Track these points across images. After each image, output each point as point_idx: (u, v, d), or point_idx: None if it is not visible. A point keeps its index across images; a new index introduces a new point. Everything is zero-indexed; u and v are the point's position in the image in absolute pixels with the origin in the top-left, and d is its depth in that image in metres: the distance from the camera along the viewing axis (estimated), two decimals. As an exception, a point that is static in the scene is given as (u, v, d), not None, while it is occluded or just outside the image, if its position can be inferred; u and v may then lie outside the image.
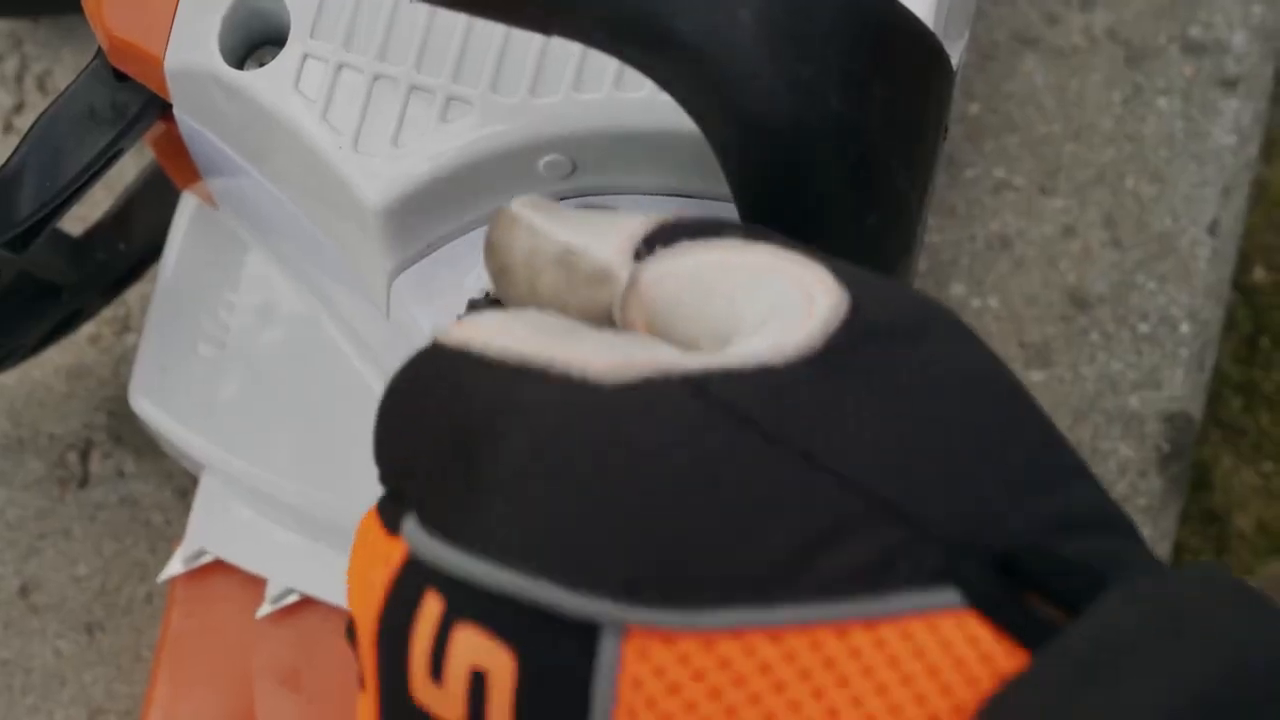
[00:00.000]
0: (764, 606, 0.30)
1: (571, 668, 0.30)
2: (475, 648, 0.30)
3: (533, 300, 0.36)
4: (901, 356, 0.32)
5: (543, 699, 0.30)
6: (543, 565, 0.30)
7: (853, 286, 0.32)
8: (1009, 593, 0.30)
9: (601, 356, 0.32)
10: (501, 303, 0.38)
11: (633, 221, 0.35)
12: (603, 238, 0.35)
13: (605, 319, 0.35)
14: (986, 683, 0.29)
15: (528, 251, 0.36)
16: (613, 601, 0.30)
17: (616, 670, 0.30)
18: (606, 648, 0.30)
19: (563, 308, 0.35)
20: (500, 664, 0.30)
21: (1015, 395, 0.32)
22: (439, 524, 0.32)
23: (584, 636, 0.30)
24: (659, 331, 0.34)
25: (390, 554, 0.33)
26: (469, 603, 0.31)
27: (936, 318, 0.33)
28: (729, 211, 0.38)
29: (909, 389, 0.31)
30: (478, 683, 0.31)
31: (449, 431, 0.33)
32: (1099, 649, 0.28)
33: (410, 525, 0.32)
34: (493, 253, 0.37)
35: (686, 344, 0.33)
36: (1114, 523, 0.32)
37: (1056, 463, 0.32)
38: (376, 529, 0.34)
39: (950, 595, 0.30)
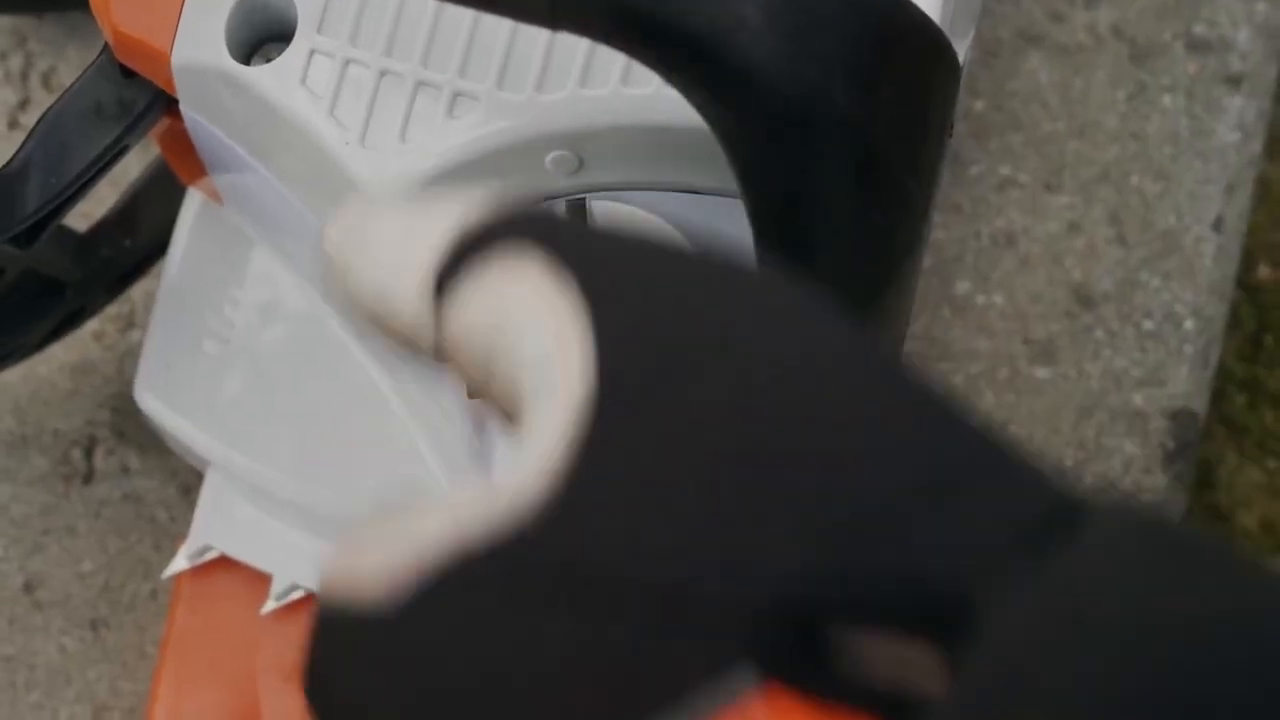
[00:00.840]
0: None
1: None
2: None
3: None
4: (660, 410, 0.27)
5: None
6: None
7: (605, 334, 0.28)
8: (811, 660, 0.26)
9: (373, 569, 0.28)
10: None
11: (424, 248, 0.30)
12: (400, 279, 0.30)
13: None
14: None
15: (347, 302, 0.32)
16: None
17: None
18: None
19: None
20: None
21: (827, 381, 0.27)
22: None
23: None
24: (487, 383, 0.30)
25: None
26: None
27: (717, 320, 0.28)
28: (736, 209, 0.38)
29: (677, 443, 0.27)
30: None
31: None
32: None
33: None
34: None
35: (509, 400, 0.29)
36: (972, 492, 0.27)
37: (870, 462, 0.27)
38: None
39: (745, 672, 0.25)
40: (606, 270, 0.29)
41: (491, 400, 0.30)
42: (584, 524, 0.26)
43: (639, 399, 0.27)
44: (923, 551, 0.26)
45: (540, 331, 0.28)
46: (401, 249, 0.30)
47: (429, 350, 0.30)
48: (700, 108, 0.37)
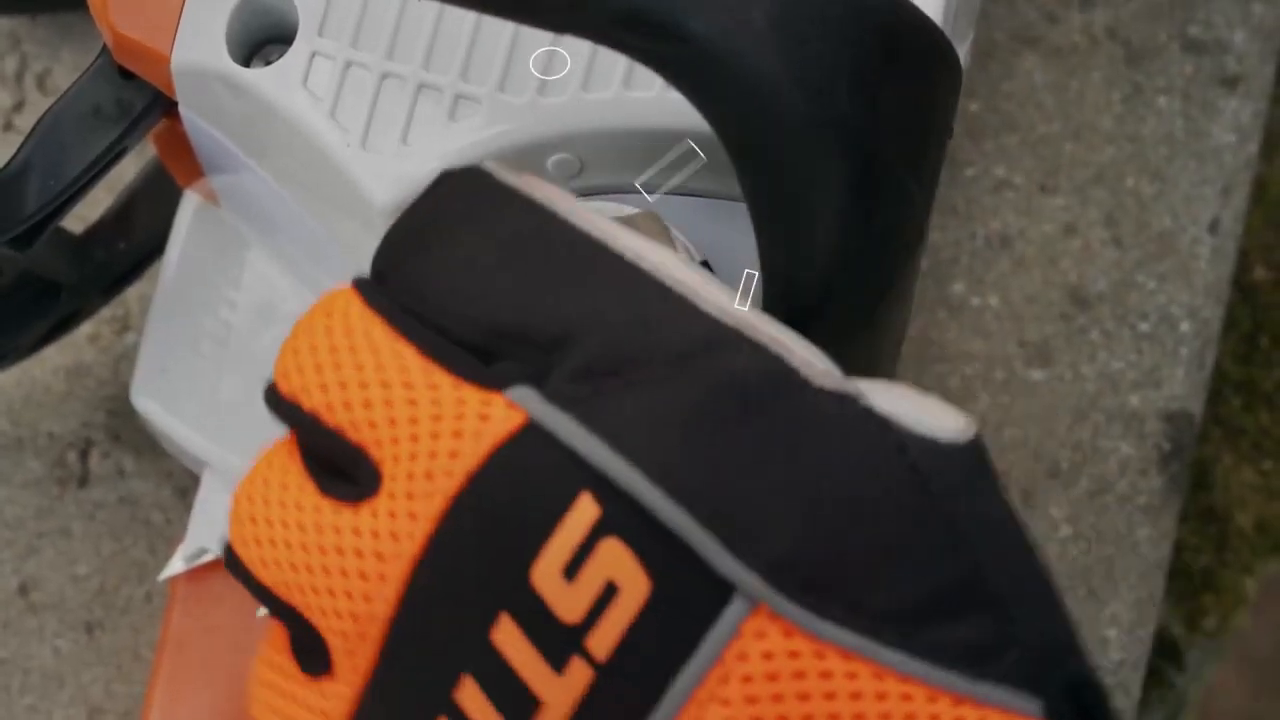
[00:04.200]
0: (882, 644, 0.32)
1: (695, 617, 0.32)
2: (618, 563, 0.32)
3: None
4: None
5: (657, 631, 0.32)
6: (714, 515, 0.32)
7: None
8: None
9: (815, 357, 0.34)
10: None
11: None
12: None
13: None
14: None
15: None
16: (759, 576, 0.32)
17: (730, 636, 0.32)
18: (732, 612, 0.32)
19: None
20: (635, 587, 0.32)
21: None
22: (598, 420, 0.32)
23: (718, 593, 0.32)
24: None
25: (478, 407, 0.33)
26: (629, 522, 0.32)
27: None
28: (739, 212, 0.38)
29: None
30: (607, 593, 0.32)
31: (622, 327, 0.34)
32: None
33: (543, 404, 0.33)
34: None
35: None
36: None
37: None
38: (432, 368, 0.34)
39: (1033, 705, 0.32)
40: None
41: None
42: None
43: None
44: None
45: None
46: None
47: None
48: (703, 110, 0.37)
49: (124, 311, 0.62)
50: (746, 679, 0.32)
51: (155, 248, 0.56)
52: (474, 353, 0.34)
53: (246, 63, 0.45)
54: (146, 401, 0.54)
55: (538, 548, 0.32)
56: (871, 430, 0.33)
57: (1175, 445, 0.62)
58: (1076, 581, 0.61)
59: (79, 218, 0.54)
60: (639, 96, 0.43)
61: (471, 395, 0.33)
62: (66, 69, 0.64)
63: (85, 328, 0.61)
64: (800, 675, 0.32)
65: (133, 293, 0.60)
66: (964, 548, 0.33)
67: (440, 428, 0.33)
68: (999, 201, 0.64)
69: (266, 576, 0.36)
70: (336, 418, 0.35)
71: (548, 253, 0.35)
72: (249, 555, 0.36)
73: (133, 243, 0.56)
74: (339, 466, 0.35)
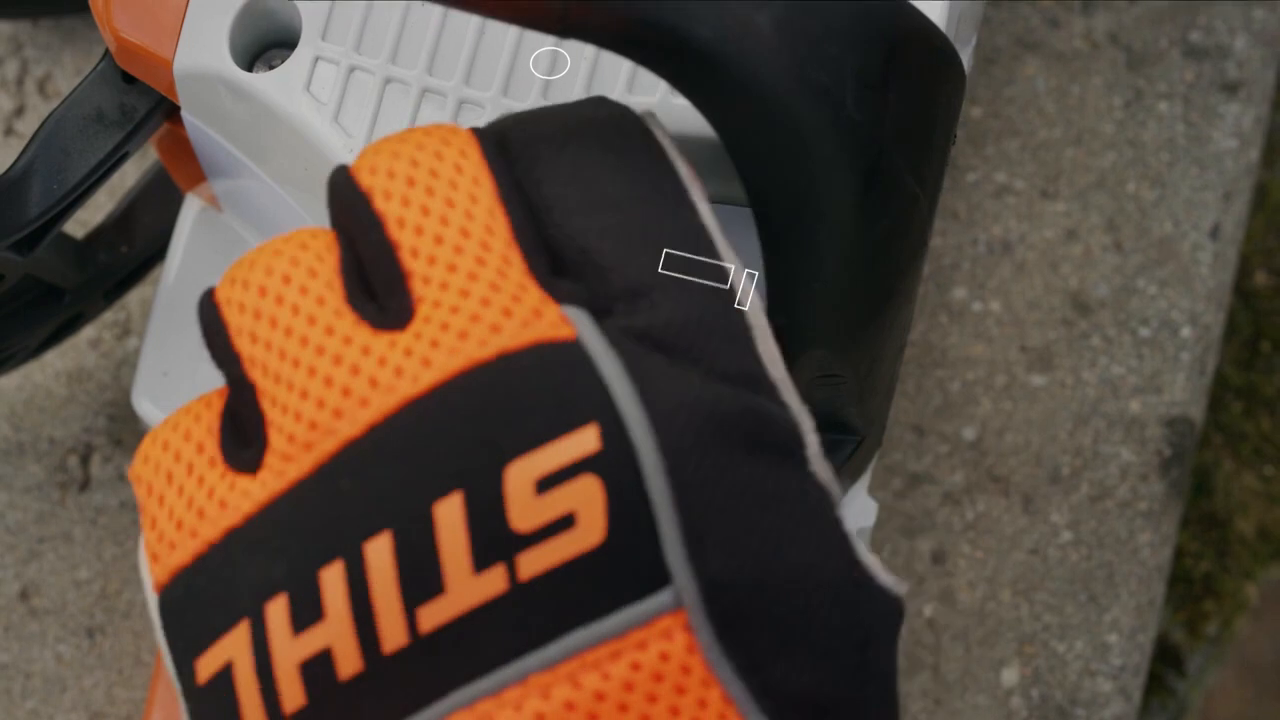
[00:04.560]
0: (760, 710, 0.33)
1: (624, 587, 0.32)
2: (590, 502, 0.32)
3: None
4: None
5: (585, 580, 0.32)
6: (690, 511, 0.32)
7: None
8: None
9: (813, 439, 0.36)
10: None
11: None
12: None
13: None
14: None
15: None
16: (697, 585, 0.32)
17: (643, 621, 0.32)
18: (656, 601, 0.32)
19: None
20: (591, 530, 0.32)
21: None
22: (637, 374, 0.33)
23: (654, 579, 0.32)
24: None
25: (534, 303, 0.33)
26: (619, 473, 0.32)
27: None
28: (743, 216, 0.38)
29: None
30: (563, 523, 0.32)
31: (692, 325, 0.34)
32: None
33: (595, 333, 0.33)
34: None
35: None
36: None
37: None
38: (513, 249, 0.34)
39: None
40: None
41: None
42: None
43: None
44: None
45: None
46: None
47: None
48: (708, 115, 0.37)
49: (125, 316, 0.62)
50: (635, 666, 0.32)
51: (157, 252, 0.56)
52: (555, 261, 0.34)
53: (249, 67, 0.45)
54: (147, 405, 0.54)
55: (527, 448, 0.32)
56: (837, 537, 0.34)
57: (1176, 451, 0.62)
58: (1077, 587, 0.61)
59: (81, 222, 0.54)
60: (643, 101, 0.43)
61: (535, 292, 0.33)
62: (68, 73, 0.64)
63: (87, 332, 0.61)
64: (680, 691, 0.32)
65: (134, 297, 0.60)
66: (859, 680, 0.33)
67: (494, 298, 0.33)
68: (1000, 207, 0.64)
69: (243, 346, 0.34)
70: (403, 235, 0.34)
71: (662, 220, 0.35)
72: (233, 319, 0.35)
73: (134, 247, 0.56)
74: (371, 285, 0.34)
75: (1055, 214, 0.64)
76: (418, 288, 0.34)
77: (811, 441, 0.34)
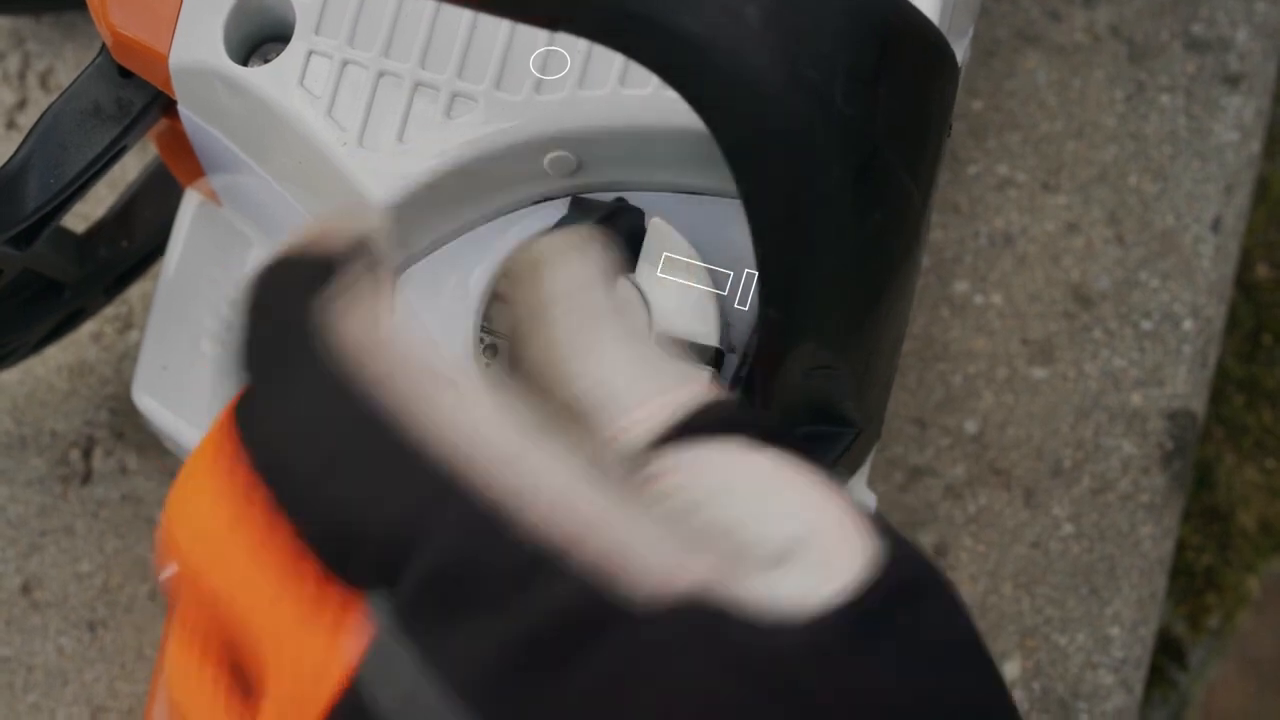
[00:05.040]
0: None
1: None
2: None
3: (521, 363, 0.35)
4: (917, 616, 0.30)
5: None
6: None
7: (880, 534, 0.31)
8: None
9: (656, 558, 0.30)
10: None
11: (662, 405, 0.33)
12: (628, 409, 0.33)
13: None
14: None
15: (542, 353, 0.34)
16: None
17: None
18: None
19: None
20: None
21: (992, 666, 0.31)
22: (438, 655, 0.29)
23: None
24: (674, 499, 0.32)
25: (333, 613, 0.30)
26: None
27: (935, 576, 0.32)
28: (734, 209, 0.38)
29: (923, 651, 0.30)
30: None
31: (457, 540, 0.29)
32: None
33: (389, 635, 0.30)
34: (508, 300, 0.35)
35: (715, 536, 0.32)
36: None
37: None
38: (305, 569, 0.30)
39: None
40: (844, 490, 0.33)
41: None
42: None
43: (903, 602, 0.30)
44: None
45: (814, 502, 0.31)
46: (633, 384, 0.33)
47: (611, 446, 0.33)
48: (697, 109, 0.37)
49: (126, 310, 0.62)
50: None
51: (157, 246, 0.56)
52: (334, 544, 0.30)
53: (244, 62, 0.45)
54: (148, 399, 0.54)
55: None
56: (697, 651, 0.29)
57: (1178, 444, 0.62)
58: (1079, 580, 0.61)
59: (81, 216, 0.54)
60: (635, 94, 0.43)
61: (326, 590, 0.30)
62: (69, 67, 0.64)
63: (88, 326, 0.61)
64: None
65: (135, 291, 0.60)
66: None
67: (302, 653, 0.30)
68: (1002, 200, 0.64)
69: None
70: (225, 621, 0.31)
71: (373, 444, 0.30)
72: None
73: (135, 241, 0.56)
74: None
75: (1057, 207, 0.64)
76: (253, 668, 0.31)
77: (636, 561, 0.30)
